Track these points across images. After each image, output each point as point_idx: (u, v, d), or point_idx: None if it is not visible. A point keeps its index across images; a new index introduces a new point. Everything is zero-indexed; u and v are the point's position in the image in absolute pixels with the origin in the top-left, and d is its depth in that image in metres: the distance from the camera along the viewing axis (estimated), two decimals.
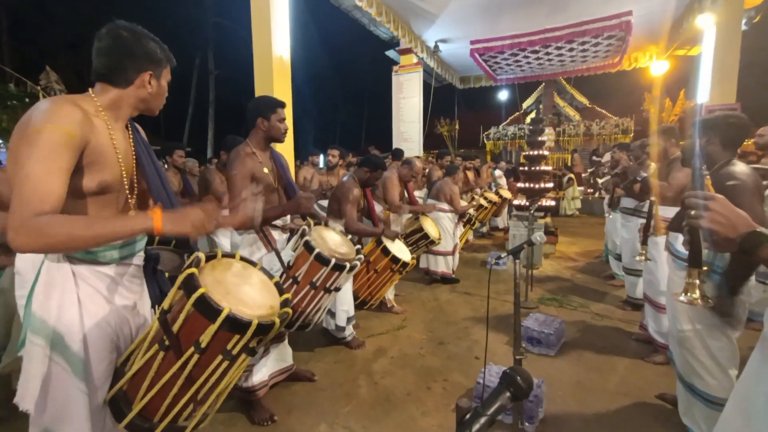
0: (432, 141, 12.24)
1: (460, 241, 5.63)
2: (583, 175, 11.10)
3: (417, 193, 5.52)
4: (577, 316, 3.84)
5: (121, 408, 1.26)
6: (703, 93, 6.77)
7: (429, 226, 4.24)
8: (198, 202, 4.10)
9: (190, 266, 1.19)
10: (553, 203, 6.57)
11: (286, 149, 4.74)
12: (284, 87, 4.93)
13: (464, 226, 5.72)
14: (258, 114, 2.27)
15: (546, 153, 6.54)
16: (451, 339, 3.40)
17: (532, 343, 3.12)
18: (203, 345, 1.16)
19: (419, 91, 8.77)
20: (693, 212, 0.93)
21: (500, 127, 13.15)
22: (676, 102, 11.67)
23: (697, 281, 1.05)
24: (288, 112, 3.85)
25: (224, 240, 4.26)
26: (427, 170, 6.65)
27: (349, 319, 3.19)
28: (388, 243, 3.39)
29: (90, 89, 1.27)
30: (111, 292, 1.29)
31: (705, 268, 1.09)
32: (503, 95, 18.73)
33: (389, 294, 3.99)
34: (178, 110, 20.41)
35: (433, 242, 4.22)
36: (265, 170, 2.27)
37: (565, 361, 2.99)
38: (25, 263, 1.21)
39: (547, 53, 8.56)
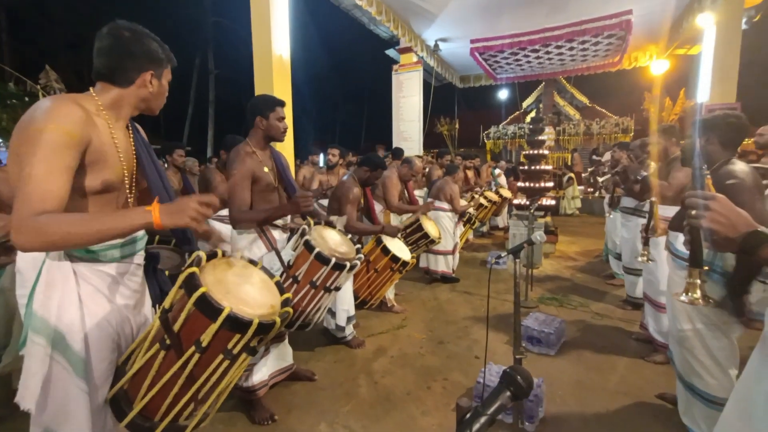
0: (432, 140, 12.25)
1: (460, 240, 5.64)
2: (583, 175, 11.10)
3: (417, 193, 5.52)
4: (577, 316, 3.84)
5: (122, 407, 1.26)
6: (703, 92, 6.77)
7: (429, 226, 4.24)
8: None
9: (191, 265, 1.19)
10: (553, 202, 6.57)
11: (286, 148, 4.75)
12: (284, 86, 4.94)
13: (464, 226, 5.72)
14: (256, 113, 2.27)
15: (546, 152, 6.54)
16: (451, 338, 3.40)
17: (532, 342, 3.12)
18: (204, 344, 1.17)
19: (419, 90, 8.78)
20: (693, 212, 0.92)
21: (500, 126, 13.16)
22: (676, 101, 11.66)
23: (698, 281, 1.05)
24: (288, 112, 3.85)
25: (224, 239, 4.25)
26: (427, 169, 6.65)
27: (349, 319, 3.19)
28: (387, 242, 3.40)
29: (91, 88, 1.27)
30: (112, 291, 1.30)
31: (705, 268, 1.09)
32: (503, 94, 18.75)
33: (389, 293, 3.99)
34: (178, 110, 20.40)
35: (433, 242, 4.22)
36: (265, 169, 2.27)
37: (565, 361, 3.00)
38: (26, 262, 1.22)
39: (547, 52, 8.56)
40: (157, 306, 1.46)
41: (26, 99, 6.04)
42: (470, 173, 6.91)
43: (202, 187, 4.18)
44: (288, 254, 2.33)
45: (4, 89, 6.02)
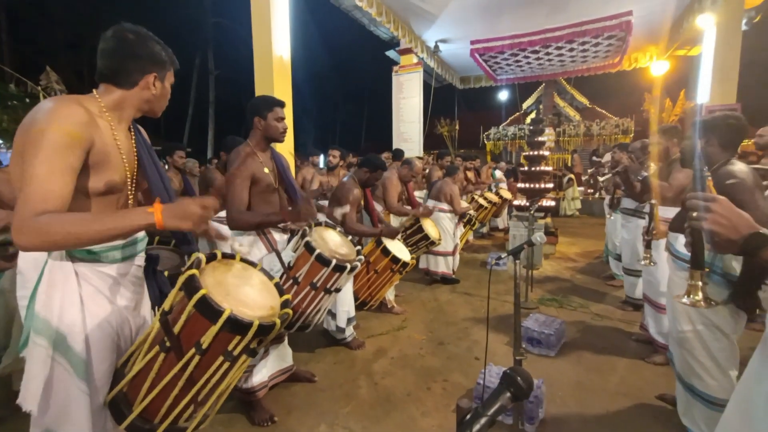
0: (432, 141, 12.25)
1: (461, 241, 5.63)
2: (583, 177, 11.10)
3: (417, 194, 5.52)
4: (577, 317, 3.84)
5: (122, 409, 1.26)
6: (704, 93, 6.77)
7: (429, 227, 4.24)
8: None
9: (190, 267, 1.19)
10: (553, 204, 6.57)
11: (286, 149, 4.75)
12: (284, 87, 4.94)
13: (464, 227, 5.72)
14: (255, 113, 2.27)
15: (546, 153, 6.54)
16: (451, 339, 3.40)
17: (532, 343, 3.12)
18: (204, 346, 1.17)
19: (419, 92, 8.78)
20: (695, 214, 0.92)
21: (500, 127, 13.18)
22: (676, 102, 11.67)
23: (700, 283, 1.05)
24: (288, 112, 3.85)
25: (224, 245, 4.25)
26: (427, 170, 6.65)
27: (349, 320, 3.19)
28: (388, 243, 3.39)
29: (94, 90, 1.28)
30: (113, 293, 1.30)
31: (706, 270, 1.08)
32: (503, 95, 18.75)
33: (389, 294, 3.99)
34: (178, 110, 20.44)
35: (433, 243, 4.22)
36: (266, 170, 2.27)
37: (565, 362, 2.99)
38: (27, 263, 1.22)
39: (547, 53, 8.57)
40: (156, 308, 1.46)
41: (27, 100, 6.04)
42: (470, 174, 6.91)
43: (203, 188, 4.18)
44: (288, 255, 2.33)
45: (4, 90, 6.02)
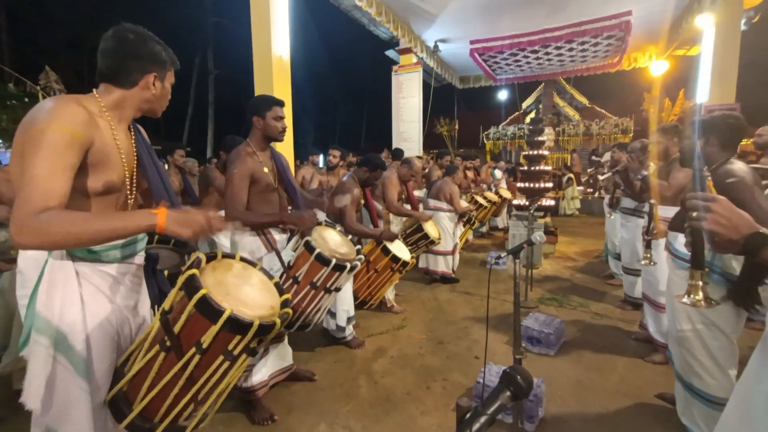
0: (432, 141, 12.26)
1: (460, 240, 5.64)
2: (582, 177, 11.11)
3: (416, 193, 5.51)
4: (576, 316, 3.85)
5: (122, 408, 1.26)
6: (703, 93, 6.77)
7: (428, 226, 4.24)
8: (198, 201, 4.12)
9: (191, 267, 1.19)
10: (552, 203, 6.57)
11: (285, 149, 4.75)
12: (284, 87, 4.94)
13: (464, 226, 5.72)
14: (254, 112, 2.27)
15: (545, 153, 6.54)
16: (451, 338, 3.40)
17: (531, 342, 3.12)
18: (205, 346, 1.17)
19: (419, 91, 8.77)
20: (695, 214, 0.92)
21: (500, 126, 13.17)
22: (675, 102, 11.68)
23: (700, 283, 1.05)
24: (288, 112, 3.85)
25: (224, 240, 4.26)
26: (426, 170, 6.65)
27: (349, 319, 3.20)
28: (387, 242, 3.39)
29: (94, 89, 1.28)
30: (113, 292, 1.30)
31: (706, 269, 1.08)
32: (503, 95, 18.76)
33: (389, 294, 3.99)
34: (178, 110, 20.42)
35: (432, 242, 4.22)
36: (265, 170, 2.27)
37: (565, 361, 3.00)
38: (27, 262, 1.22)
39: (547, 53, 8.56)
40: (156, 307, 1.46)
41: (26, 100, 6.04)
42: (470, 173, 6.91)
43: (203, 187, 4.18)
44: (288, 255, 2.33)
45: (3, 90, 6.03)
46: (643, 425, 2.29)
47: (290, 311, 1.35)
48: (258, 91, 4.84)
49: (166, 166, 4.29)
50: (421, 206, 4.99)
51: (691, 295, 1.05)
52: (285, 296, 1.43)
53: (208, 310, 1.15)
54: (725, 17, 6.44)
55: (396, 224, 4.21)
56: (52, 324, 1.17)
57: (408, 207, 4.47)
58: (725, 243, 0.89)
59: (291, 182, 2.44)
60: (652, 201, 2.78)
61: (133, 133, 1.36)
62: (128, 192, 1.34)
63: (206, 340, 1.16)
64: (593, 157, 8.66)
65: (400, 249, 3.51)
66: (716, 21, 6.50)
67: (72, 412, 1.19)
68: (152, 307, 1.47)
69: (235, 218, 2.18)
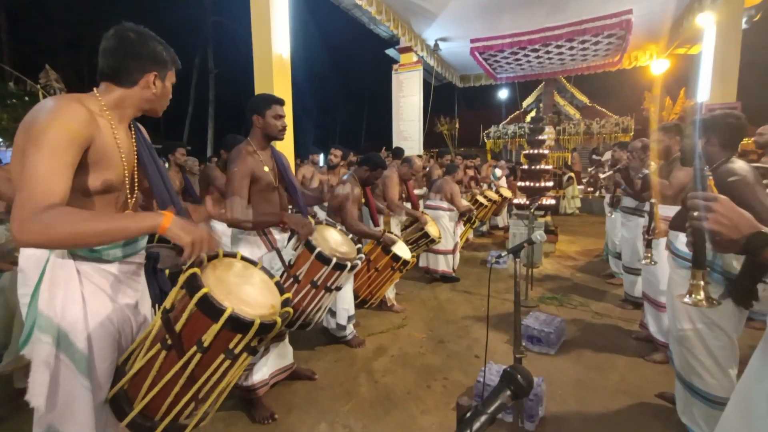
0: (432, 140, 12.25)
1: (461, 239, 5.64)
2: (582, 176, 11.10)
3: (417, 192, 5.51)
4: (577, 315, 3.85)
5: (123, 407, 1.27)
6: (704, 92, 6.76)
7: (429, 225, 4.24)
8: (199, 200, 4.11)
9: (192, 266, 1.19)
10: (553, 202, 6.57)
11: (286, 148, 4.75)
12: (284, 86, 4.94)
13: (464, 225, 5.72)
14: (254, 111, 2.27)
15: (546, 152, 6.54)
16: (452, 338, 3.41)
17: (532, 341, 3.12)
18: (206, 344, 1.17)
19: (419, 90, 8.77)
20: (696, 213, 0.92)
21: (500, 125, 13.16)
22: (676, 101, 11.64)
23: (702, 282, 1.04)
24: (288, 111, 3.85)
25: (225, 239, 4.26)
26: (427, 169, 6.64)
27: (349, 318, 3.20)
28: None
29: (95, 89, 1.28)
30: (114, 291, 1.30)
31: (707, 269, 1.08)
32: (503, 94, 18.74)
33: (389, 293, 3.99)
34: (178, 109, 20.39)
35: (433, 241, 4.22)
36: (266, 169, 2.27)
37: (565, 360, 3.00)
38: (28, 261, 1.22)
39: (547, 52, 8.56)
40: (156, 306, 1.46)
41: (26, 99, 6.04)
42: (470, 172, 6.91)
43: (203, 186, 4.18)
44: (289, 254, 2.33)
45: (4, 89, 6.03)
46: (643, 424, 2.29)
47: (291, 310, 1.35)
48: (258, 90, 4.85)
49: (167, 165, 4.29)
50: (421, 203, 4.99)
51: (693, 295, 1.05)
52: (286, 295, 1.43)
53: (210, 308, 1.15)
54: (726, 16, 6.43)
55: (395, 225, 4.21)
56: (54, 322, 1.18)
57: (408, 206, 4.47)
58: (726, 243, 0.89)
59: (291, 181, 2.44)
60: (653, 200, 2.77)
61: (133, 132, 1.36)
62: (128, 191, 1.34)
63: (207, 338, 1.17)
64: (594, 156, 8.65)
65: (400, 248, 3.51)
66: (717, 20, 6.49)
67: (74, 411, 1.20)
68: (153, 306, 1.47)
69: (236, 218, 2.18)
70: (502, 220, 8.50)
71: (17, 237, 0.98)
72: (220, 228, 4.32)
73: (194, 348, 1.18)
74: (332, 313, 3.17)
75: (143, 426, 1.26)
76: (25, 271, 1.22)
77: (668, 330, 2.43)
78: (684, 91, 11.35)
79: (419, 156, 7.55)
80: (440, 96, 10.53)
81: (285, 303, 1.39)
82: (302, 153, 9.59)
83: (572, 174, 11.21)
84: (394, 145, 8.59)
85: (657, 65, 9.14)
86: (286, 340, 2.61)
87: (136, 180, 1.36)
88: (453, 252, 4.94)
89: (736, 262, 1.81)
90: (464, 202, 5.22)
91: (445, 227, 4.79)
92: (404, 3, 7.21)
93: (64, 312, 1.19)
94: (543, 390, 2.35)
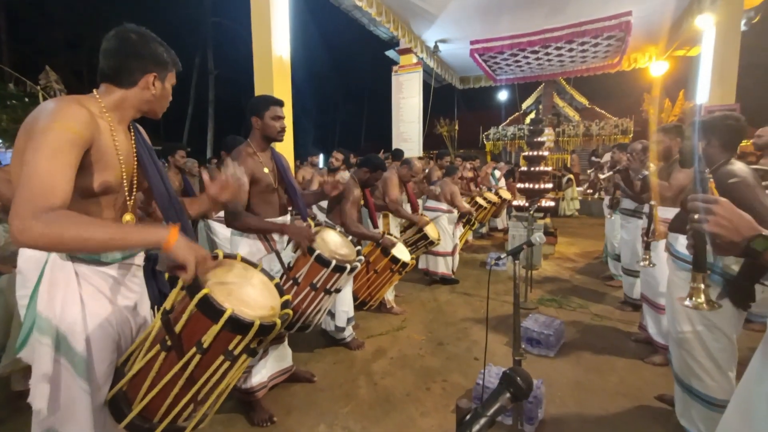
0: (432, 141, 12.25)
1: (460, 241, 5.64)
2: (581, 178, 11.10)
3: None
4: (576, 317, 3.84)
5: (121, 408, 1.26)
6: (703, 94, 6.76)
7: (428, 227, 4.24)
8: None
9: (195, 283, 1.18)
10: (552, 204, 6.57)
11: (285, 149, 4.75)
12: (284, 87, 4.94)
13: (464, 227, 5.72)
14: (253, 112, 2.27)
15: (545, 153, 6.55)
16: (451, 340, 3.40)
17: (531, 343, 3.12)
18: (205, 345, 1.17)
19: (419, 91, 8.78)
20: (696, 216, 0.92)
21: (500, 127, 13.18)
22: (675, 102, 11.68)
23: (702, 285, 1.04)
24: (288, 112, 3.85)
25: (224, 240, 4.27)
26: (426, 171, 6.64)
27: (348, 320, 3.19)
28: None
29: (95, 90, 1.28)
30: (113, 292, 1.30)
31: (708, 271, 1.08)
32: (503, 95, 18.76)
33: (389, 295, 3.99)
34: (178, 110, 20.37)
35: (432, 243, 4.22)
36: (266, 170, 2.27)
37: (565, 362, 3.00)
38: (27, 263, 1.21)
39: (547, 53, 8.56)
40: (155, 307, 1.46)
41: (26, 100, 6.05)
42: (469, 174, 6.91)
43: (203, 188, 4.17)
44: (288, 256, 2.33)
45: (4, 90, 6.03)
46: (642, 427, 2.29)
47: (290, 312, 1.35)
48: (258, 91, 4.84)
49: (166, 166, 4.29)
50: (421, 203, 4.98)
51: (693, 298, 1.05)
52: (285, 297, 1.43)
53: (210, 309, 1.15)
54: (725, 18, 6.43)
55: (394, 225, 4.21)
56: (53, 324, 1.17)
57: (408, 208, 4.47)
58: (727, 245, 0.89)
59: (291, 183, 2.43)
60: (652, 202, 2.78)
61: (132, 133, 1.36)
62: (126, 193, 1.33)
63: (207, 339, 1.16)
64: (593, 158, 8.66)
65: (399, 250, 3.50)
66: (716, 21, 6.49)
67: (74, 412, 1.20)
68: (152, 307, 1.47)
69: (237, 222, 2.18)
70: (501, 221, 8.50)
71: (17, 237, 0.97)
72: (220, 229, 4.32)
73: (194, 349, 1.17)
74: (331, 315, 3.17)
75: (142, 428, 1.26)
76: (24, 272, 1.22)
77: (667, 332, 2.43)
78: (683, 92, 11.39)
79: (420, 158, 7.57)
80: (440, 97, 10.53)
81: (285, 305, 1.39)
82: (302, 154, 9.60)
83: (571, 176, 11.22)
84: (394, 146, 8.60)
85: (656, 67, 9.15)
86: (285, 342, 2.61)
87: (135, 181, 1.36)
88: (452, 254, 4.94)
89: (735, 265, 1.81)
90: (464, 204, 5.22)
91: (444, 229, 4.79)
92: (404, 4, 7.22)
93: (63, 313, 1.18)
94: (542, 392, 2.35)
